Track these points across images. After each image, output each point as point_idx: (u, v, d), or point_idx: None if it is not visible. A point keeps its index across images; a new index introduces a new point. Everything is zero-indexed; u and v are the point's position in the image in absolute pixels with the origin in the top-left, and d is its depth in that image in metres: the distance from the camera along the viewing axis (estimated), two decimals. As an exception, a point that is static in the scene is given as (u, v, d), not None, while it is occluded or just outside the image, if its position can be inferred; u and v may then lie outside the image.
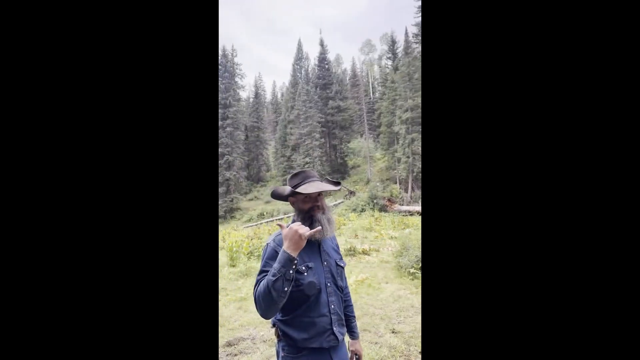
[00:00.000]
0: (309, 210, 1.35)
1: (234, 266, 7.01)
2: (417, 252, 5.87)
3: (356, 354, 1.50)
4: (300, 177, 1.39)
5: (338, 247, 1.51)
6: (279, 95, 51.17)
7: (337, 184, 1.45)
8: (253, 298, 1.21)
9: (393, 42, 34.31)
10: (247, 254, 7.74)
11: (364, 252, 7.82)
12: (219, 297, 5.12)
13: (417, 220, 12.44)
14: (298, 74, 37.81)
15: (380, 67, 41.72)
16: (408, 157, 20.59)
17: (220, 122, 27.03)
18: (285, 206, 20.31)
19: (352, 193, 21.15)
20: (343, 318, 1.39)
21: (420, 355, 2.95)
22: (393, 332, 3.49)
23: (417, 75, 21.03)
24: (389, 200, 17.73)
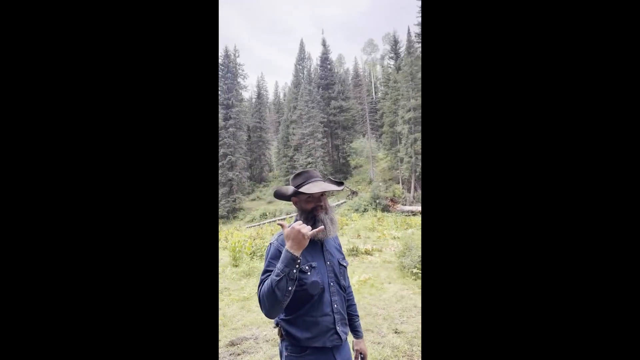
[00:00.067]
0: (312, 210, 1.35)
1: (236, 266, 7.03)
2: (420, 252, 5.86)
3: (361, 353, 1.50)
4: (303, 177, 1.40)
5: (340, 247, 1.52)
6: (282, 96, 51.24)
7: (340, 184, 1.45)
8: (257, 298, 1.22)
9: (395, 42, 34.25)
10: (250, 254, 7.76)
11: (367, 252, 7.81)
12: (222, 297, 5.14)
13: (420, 220, 12.39)
14: (300, 74, 37.82)
15: (382, 66, 41.66)
16: (411, 157, 20.54)
17: (222, 123, 27.11)
18: (288, 206, 20.33)
19: (354, 193, 21.13)
20: (346, 317, 1.39)
21: (423, 356, 2.95)
22: (396, 332, 3.49)
23: (420, 74, 20.96)
24: (391, 200, 17.70)
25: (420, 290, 4.85)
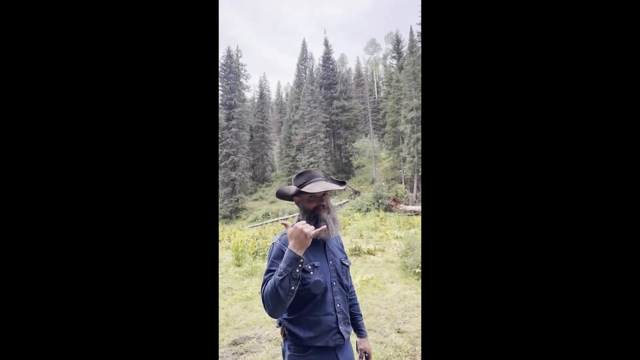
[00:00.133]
0: (314, 209, 1.36)
1: (239, 266, 7.05)
2: (423, 252, 5.84)
3: (365, 352, 1.50)
4: (306, 176, 1.40)
5: (343, 247, 1.52)
6: (284, 96, 51.25)
7: (342, 183, 1.45)
8: (261, 297, 1.22)
9: (398, 41, 34.16)
10: (253, 254, 7.77)
11: (369, 252, 7.81)
12: (225, 296, 5.16)
13: (423, 220, 12.35)
14: (302, 74, 37.81)
15: (385, 66, 41.57)
16: (413, 156, 20.49)
17: (225, 123, 27.17)
18: (290, 206, 20.35)
19: (357, 193, 21.11)
20: (348, 317, 1.39)
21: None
22: (398, 332, 3.48)
23: (422, 74, 20.84)
24: (394, 200, 17.67)
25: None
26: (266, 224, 17.56)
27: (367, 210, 17.18)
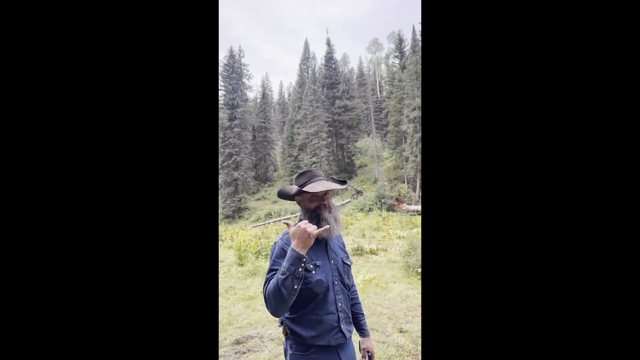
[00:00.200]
0: (315, 209, 1.36)
1: (242, 265, 7.07)
2: (425, 251, 5.83)
3: (368, 352, 1.50)
4: (307, 176, 1.40)
5: (344, 246, 1.52)
6: (286, 95, 51.31)
7: (343, 182, 1.45)
8: (263, 297, 1.23)
9: (400, 41, 34.07)
10: (255, 253, 7.79)
11: (372, 252, 7.80)
12: (228, 296, 5.18)
13: (425, 219, 12.32)
14: (305, 74, 37.83)
15: (387, 65, 41.49)
16: (416, 156, 20.43)
17: (228, 123, 27.23)
18: (293, 206, 20.36)
19: (359, 192, 21.09)
20: (350, 316, 1.39)
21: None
22: (401, 332, 3.48)
23: (425, 73, 20.78)
24: (396, 199, 17.63)
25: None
26: (269, 223, 17.59)
27: (370, 209, 17.16)
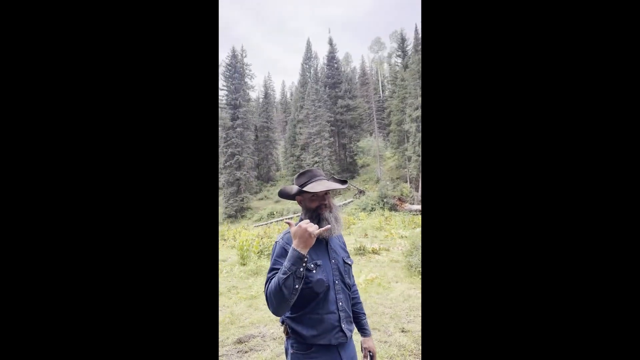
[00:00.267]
0: (316, 208, 1.36)
1: (244, 265, 7.09)
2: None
3: (370, 351, 1.50)
4: (307, 175, 1.41)
5: (345, 245, 1.52)
6: (288, 95, 51.33)
7: (344, 182, 1.46)
8: (264, 296, 1.23)
9: (403, 40, 33.96)
10: (258, 253, 7.81)
11: (374, 252, 7.80)
12: (230, 295, 5.19)
13: (428, 219, 12.30)
14: (307, 73, 37.82)
15: (389, 65, 41.40)
16: (418, 155, 20.35)
17: (230, 123, 27.28)
18: (295, 205, 20.35)
19: (361, 192, 21.07)
20: (351, 315, 1.40)
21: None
22: (403, 331, 3.48)
23: (427, 72, 20.69)
24: (399, 199, 17.60)
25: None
26: (271, 223, 17.62)
27: (372, 209, 17.14)
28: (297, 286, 1.15)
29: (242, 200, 25.68)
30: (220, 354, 3.22)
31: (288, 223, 1.26)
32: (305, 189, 1.34)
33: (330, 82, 30.84)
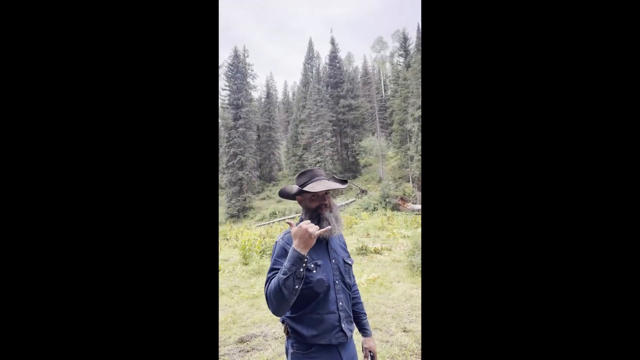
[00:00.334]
0: (316, 208, 1.36)
1: (246, 264, 7.11)
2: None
3: (370, 351, 1.50)
4: (308, 175, 1.41)
5: (345, 245, 1.52)
6: (291, 95, 51.35)
7: (344, 182, 1.46)
8: (264, 296, 1.23)
9: (405, 39, 33.89)
10: (260, 253, 7.83)
11: (376, 251, 7.79)
12: (232, 294, 5.21)
13: (430, 219, 12.26)
14: (309, 73, 37.81)
15: (392, 64, 41.30)
16: (421, 155, 20.28)
17: (232, 123, 27.35)
18: (297, 205, 20.23)
19: (364, 192, 21.05)
20: (351, 315, 1.40)
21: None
22: (404, 331, 3.48)
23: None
24: (401, 199, 17.57)
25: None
26: (273, 222, 17.65)
27: (374, 209, 17.12)
28: (297, 286, 1.15)
29: (244, 200, 25.73)
30: (222, 353, 3.23)
31: (289, 223, 1.26)
32: (305, 188, 1.34)
33: (332, 82, 30.83)
